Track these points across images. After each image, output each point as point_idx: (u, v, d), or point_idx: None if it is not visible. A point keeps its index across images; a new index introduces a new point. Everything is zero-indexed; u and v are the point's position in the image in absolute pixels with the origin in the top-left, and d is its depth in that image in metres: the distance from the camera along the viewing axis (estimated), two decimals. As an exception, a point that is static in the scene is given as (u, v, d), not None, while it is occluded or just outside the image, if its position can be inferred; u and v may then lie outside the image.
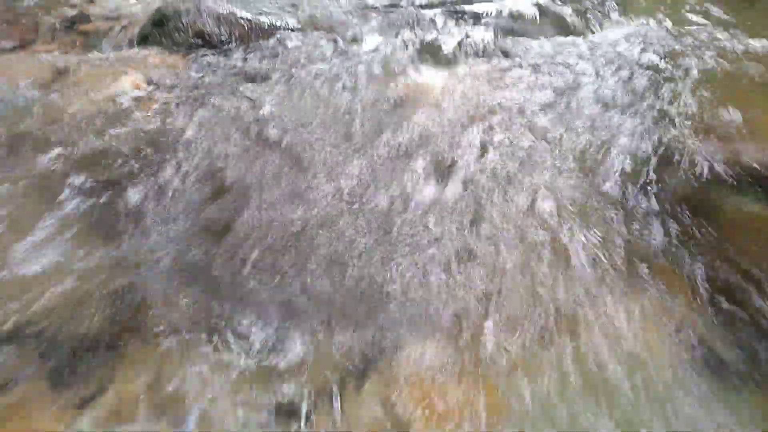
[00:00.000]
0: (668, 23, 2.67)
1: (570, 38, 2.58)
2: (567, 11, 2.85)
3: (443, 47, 2.41)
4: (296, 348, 1.15)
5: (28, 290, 1.21)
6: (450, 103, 1.96)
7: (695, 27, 2.59)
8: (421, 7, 2.92)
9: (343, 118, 1.88)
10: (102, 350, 1.12)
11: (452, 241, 1.40)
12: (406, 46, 2.41)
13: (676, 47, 2.38)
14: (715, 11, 2.74)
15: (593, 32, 2.70)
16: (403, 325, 1.20)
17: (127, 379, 1.08)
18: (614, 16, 2.87)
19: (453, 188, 1.56)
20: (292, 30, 2.62)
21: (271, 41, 2.50)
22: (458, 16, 2.79)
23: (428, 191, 1.55)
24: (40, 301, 1.19)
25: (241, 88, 2.10)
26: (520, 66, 2.26)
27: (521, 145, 1.74)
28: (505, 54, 2.38)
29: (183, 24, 2.52)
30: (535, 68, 2.23)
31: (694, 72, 2.14)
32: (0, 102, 1.85)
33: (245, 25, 2.58)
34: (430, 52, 2.40)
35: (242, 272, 1.31)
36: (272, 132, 1.80)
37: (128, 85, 2.00)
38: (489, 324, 1.20)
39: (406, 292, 1.28)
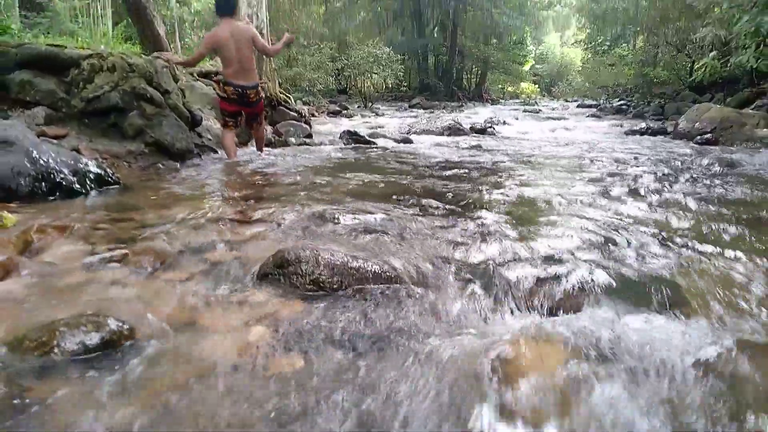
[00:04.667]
0: None
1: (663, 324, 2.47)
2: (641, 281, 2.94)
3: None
4: None
5: None
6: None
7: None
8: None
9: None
10: None
11: None
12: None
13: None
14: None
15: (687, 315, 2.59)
16: None
17: None
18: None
19: None
20: (395, 282, 2.86)
21: (377, 292, 2.73)
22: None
23: None
24: None
25: (353, 345, 2.21)
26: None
27: None
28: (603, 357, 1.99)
29: (302, 271, 2.82)
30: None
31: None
32: (145, 345, 1.99)
33: (354, 274, 2.86)
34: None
35: None
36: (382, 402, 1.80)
37: (256, 336, 2.14)
38: None
39: None
